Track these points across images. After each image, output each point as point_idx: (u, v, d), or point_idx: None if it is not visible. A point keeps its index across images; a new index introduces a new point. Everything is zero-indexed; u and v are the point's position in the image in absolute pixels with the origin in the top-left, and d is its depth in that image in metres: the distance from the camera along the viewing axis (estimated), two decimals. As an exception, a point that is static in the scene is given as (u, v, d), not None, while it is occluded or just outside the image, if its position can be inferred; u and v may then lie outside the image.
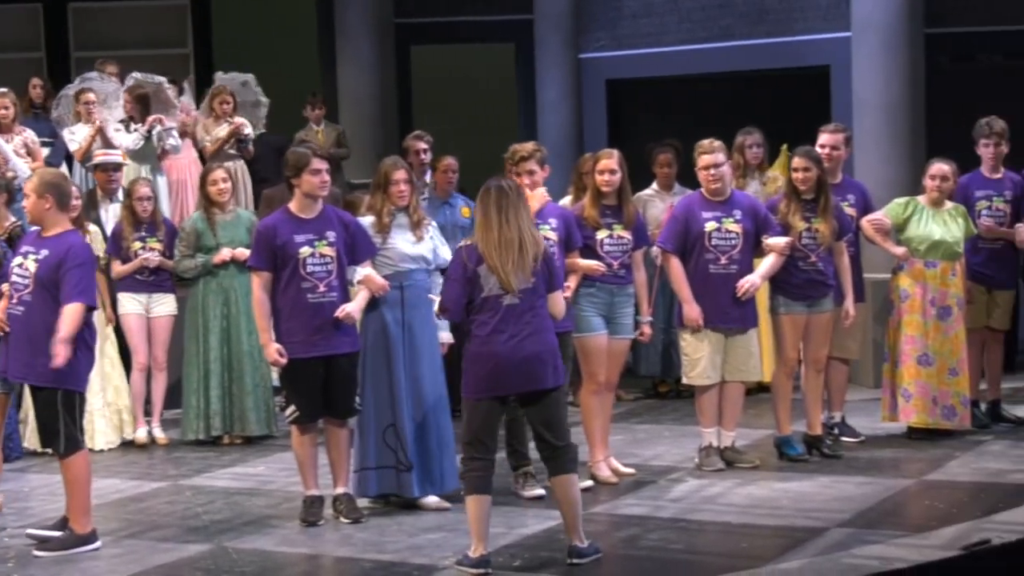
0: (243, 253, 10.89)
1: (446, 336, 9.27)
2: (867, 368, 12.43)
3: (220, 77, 14.50)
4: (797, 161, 9.97)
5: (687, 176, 10.60)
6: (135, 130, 13.28)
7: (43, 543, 8.32)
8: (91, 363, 8.40)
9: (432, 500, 9.01)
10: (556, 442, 7.66)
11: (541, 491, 9.08)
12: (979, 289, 10.96)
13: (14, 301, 8.27)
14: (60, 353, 7.97)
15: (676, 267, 9.71)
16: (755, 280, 9.67)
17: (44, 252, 8.19)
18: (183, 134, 13.86)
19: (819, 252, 9.91)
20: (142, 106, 13.42)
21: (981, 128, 11.01)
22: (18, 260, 8.33)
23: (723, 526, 8.44)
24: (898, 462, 9.94)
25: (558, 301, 7.88)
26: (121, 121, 13.45)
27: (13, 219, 10.16)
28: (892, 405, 10.54)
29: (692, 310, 9.62)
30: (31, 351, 8.15)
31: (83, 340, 8.18)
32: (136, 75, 13.92)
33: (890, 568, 7.34)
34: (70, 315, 8.03)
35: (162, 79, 14.01)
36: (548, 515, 8.54)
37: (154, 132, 13.27)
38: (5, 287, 8.55)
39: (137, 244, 11.52)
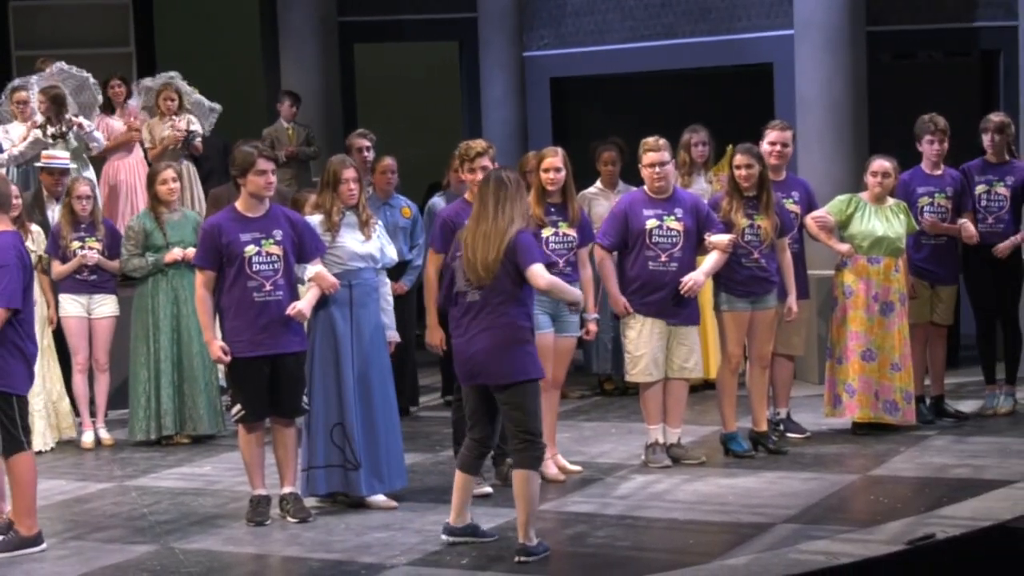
0: (193, 253, 10.84)
1: (394, 335, 9.27)
2: (812, 364, 12.49)
3: (178, 83, 14.38)
4: (739, 158, 10.01)
5: (631, 174, 10.61)
6: (51, 133, 13.15)
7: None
8: (29, 366, 8.28)
9: (380, 499, 9.00)
10: (523, 436, 7.70)
11: (488, 489, 9.09)
12: (922, 285, 11.02)
13: None
14: None
15: (607, 261, 9.76)
16: (698, 278, 9.70)
17: None
18: (129, 140, 13.86)
19: (762, 249, 9.95)
20: (57, 106, 13.27)
21: (925, 125, 11.05)
22: None
23: (670, 522, 8.48)
24: (843, 458, 10.00)
25: (536, 275, 7.68)
26: (39, 126, 13.31)
27: None
28: (834, 400, 10.59)
29: (617, 301, 9.71)
30: None
31: (13, 343, 8.10)
32: (38, 75, 13.85)
33: (835, 563, 7.38)
34: None
35: (60, 63, 13.90)
36: (496, 513, 8.56)
37: (71, 134, 13.16)
38: None
39: (76, 244, 11.43)
